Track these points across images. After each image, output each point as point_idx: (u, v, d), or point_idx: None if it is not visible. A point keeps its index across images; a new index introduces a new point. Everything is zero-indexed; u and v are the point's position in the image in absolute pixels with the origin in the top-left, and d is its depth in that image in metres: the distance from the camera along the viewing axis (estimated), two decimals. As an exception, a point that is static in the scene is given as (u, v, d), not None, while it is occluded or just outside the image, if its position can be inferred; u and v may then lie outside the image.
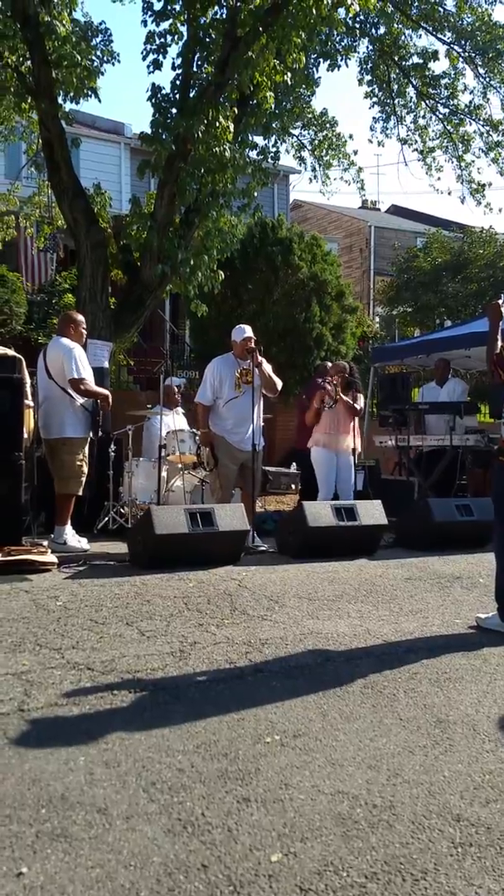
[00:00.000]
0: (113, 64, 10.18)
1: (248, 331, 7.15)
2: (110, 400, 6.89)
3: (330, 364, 9.16)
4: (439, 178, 47.41)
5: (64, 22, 9.11)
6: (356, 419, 8.03)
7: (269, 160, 10.88)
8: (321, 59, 11.85)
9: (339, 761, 2.66)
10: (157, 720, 2.95)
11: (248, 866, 2.04)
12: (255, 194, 9.94)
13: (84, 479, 6.72)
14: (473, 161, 13.71)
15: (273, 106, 9.78)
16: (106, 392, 6.90)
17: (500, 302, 4.87)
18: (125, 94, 66.59)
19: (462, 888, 2.01)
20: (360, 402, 8.12)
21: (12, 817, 2.21)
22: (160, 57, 9.34)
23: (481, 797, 2.47)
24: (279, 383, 7.29)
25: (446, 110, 13.64)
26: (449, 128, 13.62)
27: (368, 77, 13.45)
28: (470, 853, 2.16)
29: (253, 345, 7.00)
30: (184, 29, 9.34)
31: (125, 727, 2.86)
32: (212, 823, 2.23)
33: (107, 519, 7.74)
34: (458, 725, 3.01)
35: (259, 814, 2.30)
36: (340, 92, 66.63)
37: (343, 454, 7.92)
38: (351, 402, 7.87)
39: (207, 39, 9.35)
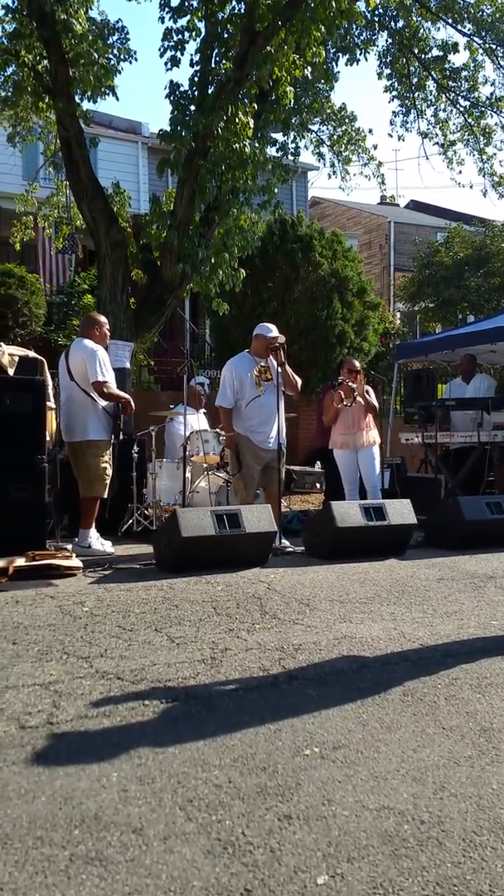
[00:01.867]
0: (130, 62, 10.12)
1: (274, 329, 7.02)
2: (133, 405, 6.78)
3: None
4: (460, 172, 47.00)
5: (80, 20, 9.03)
6: (371, 414, 7.96)
7: (289, 156, 10.78)
8: (340, 54, 11.70)
9: (383, 774, 2.55)
10: (191, 732, 2.84)
11: (293, 890, 1.93)
12: (276, 191, 9.83)
13: (108, 481, 6.64)
14: (495, 154, 13.59)
15: (292, 101, 9.66)
16: (127, 397, 6.79)
17: None
18: (142, 94, 66.70)
19: (522, 913, 1.89)
20: (373, 398, 8.07)
21: (44, 839, 2.11)
22: (178, 53, 9.27)
23: (534, 812, 2.34)
24: (299, 381, 7.16)
25: (467, 103, 13.49)
26: (470, 120, 13.46)
27: (388, 71, 13.33)
28: (527, 874, 2.04)
29: (278, 344, 6.88)
30: (201, 25, 9.28)
31: (158, 740, 2.76)
32: (253, 843, 2.12)
33: (131, 521, 7.66)
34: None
35: (302, 832, 2.19)
36: (359, 86, 66.38)
37: (363, 450, 7.83)
38: (371, 401, 7.84)
39: (225, 35, 9.27)
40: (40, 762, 2.57)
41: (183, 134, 8.82)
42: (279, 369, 6.86)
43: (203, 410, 8.79)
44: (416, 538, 7.02)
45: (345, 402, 7.77)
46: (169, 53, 9.27)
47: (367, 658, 3.76)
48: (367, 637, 4.11)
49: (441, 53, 12.89)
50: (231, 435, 6.95)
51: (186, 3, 9.12)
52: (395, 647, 3.95)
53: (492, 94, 13.32)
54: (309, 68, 9.36)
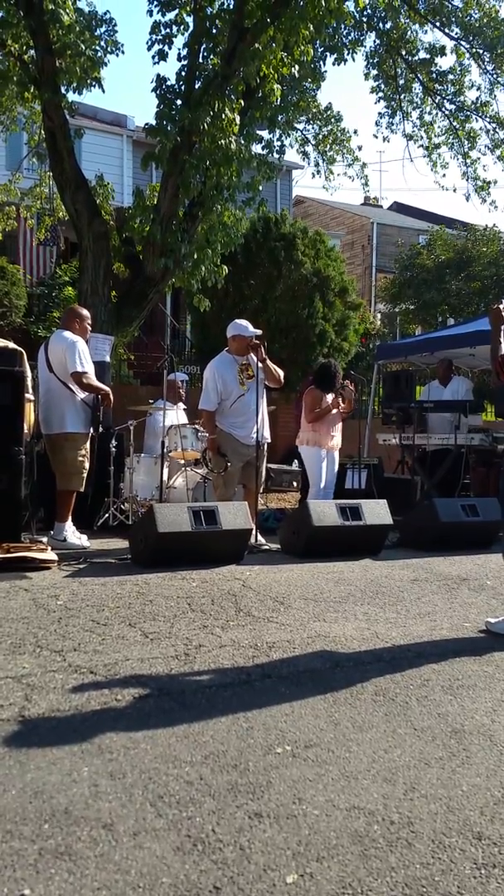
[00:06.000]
0: (117, 55, 10.04)
1: (249, 327, 7.00)
2: (112, 398, 6.74)
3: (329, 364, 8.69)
4: (444, 175, 46.98)
5: (68, 10, 8.96)
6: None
7: (274, 154, 10.77)
8: (328, 53, 11.70)
9: (354, 774, 2.55)
10: (163, 728, 2.84)
11: (262, 888, 1.93)
12: (260, 188, 9.82)
13: (85, 474, 6.61)
14: (479, 158, 13.65)
15: (279, 99, 9.65)
16: (107, 389, 6.75)
17: (502, 306, 4.78)
18: (127, 87, 66.38)
19: (488, 914, 1.90)
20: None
21: (14, 833, 2.10)
22: (166, 47, 9.26)
23: (502, 814, 2.36)
24: (281, 373, 7.15)
25: (452, 106, 13.55)
26: (455, 124, 13.51)
27: (375, 72, 13.35)
28: (494, 875, 2.05)
29: (256, 341, 6.88)
30: (190, 19, 9.26)
31: (130, 735, 2.75)
32: (223, 841, 2.12)
33: (107, 515, 7.63)
34: (475, 736, 2.91)
35: (272, 830, 2.19)
36: (345, 86, 66.45)
37: (332, 452, 7.88)
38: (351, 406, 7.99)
39: (214, 30, 9.24)
40: (11, 755, 2.56)
41: (168, 128, 8.79)
42: (260, 365, 6.87)
43: (184, 407, 8.77)
44: (391, 539, 7.05)
45: (342, 408, 7.83)
46: (156, 47, 9.25)
47: (340, 657, 3.78)
48: (341, 636, 4.12)
49: (428, 56, 12.95)
50: (213, 438, 6.90)
51: (175, -3, 9.10)
52: (369, 647, 3.96)
53: (477, 98, 13.40)
54: (296, 66, 9.33)
